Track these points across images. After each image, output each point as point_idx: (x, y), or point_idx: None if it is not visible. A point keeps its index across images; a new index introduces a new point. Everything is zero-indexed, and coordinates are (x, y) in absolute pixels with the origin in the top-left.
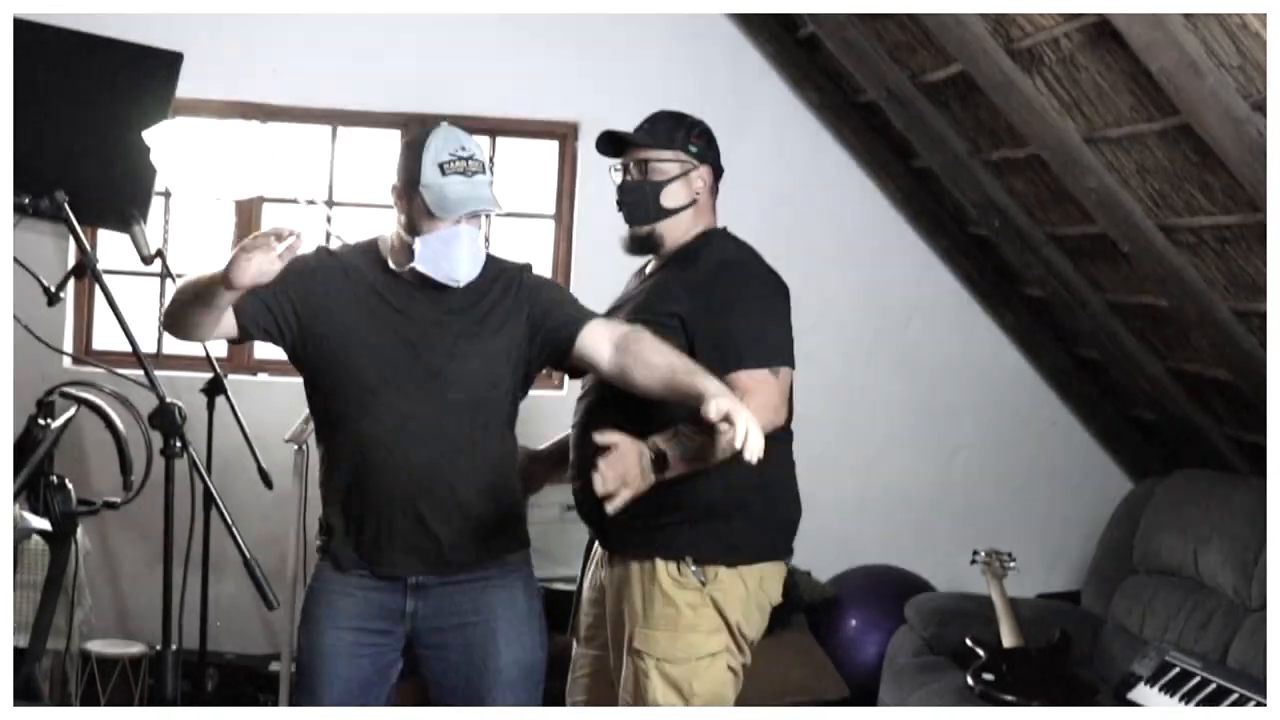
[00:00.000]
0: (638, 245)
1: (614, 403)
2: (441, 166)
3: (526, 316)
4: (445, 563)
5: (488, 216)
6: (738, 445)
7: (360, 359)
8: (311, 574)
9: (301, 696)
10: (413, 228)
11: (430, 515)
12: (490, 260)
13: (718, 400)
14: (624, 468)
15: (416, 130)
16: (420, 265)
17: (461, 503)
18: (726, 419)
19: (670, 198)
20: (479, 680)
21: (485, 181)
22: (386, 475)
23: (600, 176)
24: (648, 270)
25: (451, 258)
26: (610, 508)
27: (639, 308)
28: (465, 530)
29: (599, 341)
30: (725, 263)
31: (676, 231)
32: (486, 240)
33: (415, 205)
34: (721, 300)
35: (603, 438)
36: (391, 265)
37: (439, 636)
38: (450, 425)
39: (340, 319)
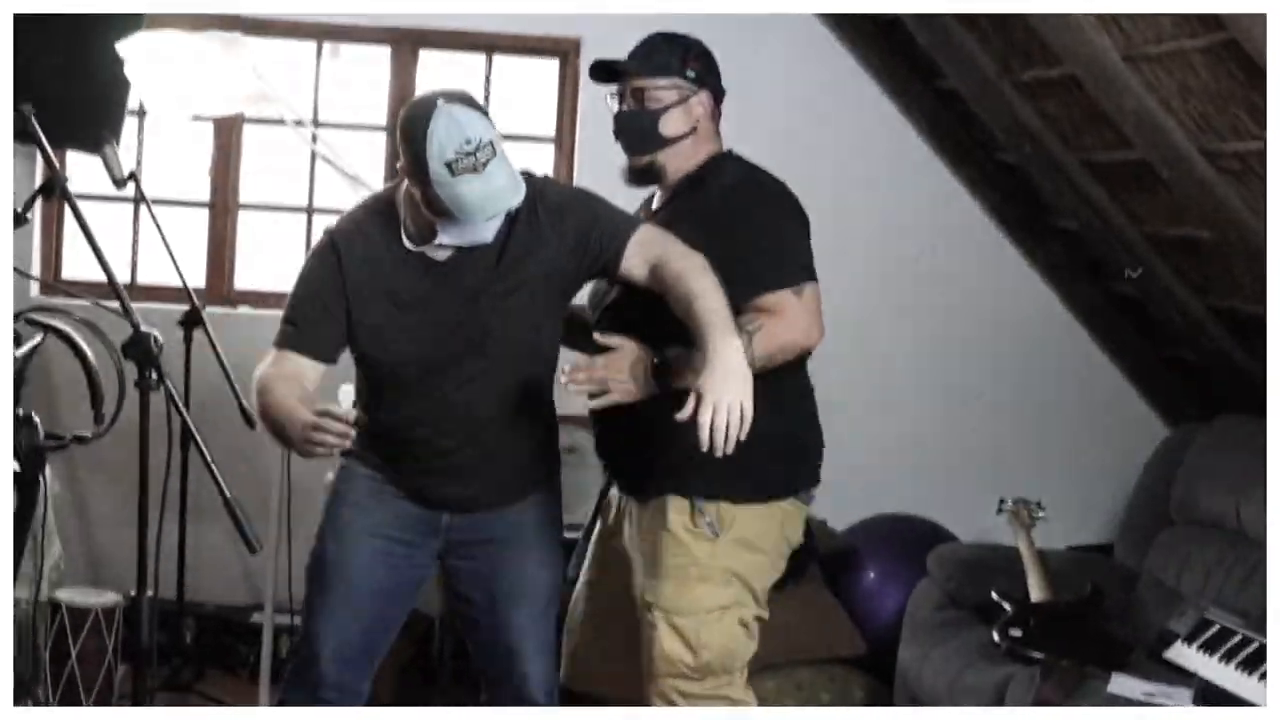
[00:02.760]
0: (638, 177)
1: (633, 305)
2: (450, 166)
3: (561, 243)
4: (484, 506)
5: None
6: (702, 438)
7: (397, 345)
8: (336, 475)
9: (317, 605)
10: (431, 209)
11: (470, 474)
12: None
13: (696, 389)
14: (611, 372)
15: (412, 111)
16: (446, 239)
17: (502, 458)
18: (699, 403)
19: (669, 125)
20: (506, 601)
21: (500, 169)
22: (428, 446)
23: (604, 97)
24: (655, 204)
25: (477, 231)
26: (592, 404)
27: None
28: (504, 479)
29: (635, 264)
30: (733, 186)
31: (679, 160)
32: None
33: (431, 196)
34: (733, 224)
35: (606, 339)
36: (408, 244)
37: (471, 549)
38: (491, 386)
39: (373, 308)
